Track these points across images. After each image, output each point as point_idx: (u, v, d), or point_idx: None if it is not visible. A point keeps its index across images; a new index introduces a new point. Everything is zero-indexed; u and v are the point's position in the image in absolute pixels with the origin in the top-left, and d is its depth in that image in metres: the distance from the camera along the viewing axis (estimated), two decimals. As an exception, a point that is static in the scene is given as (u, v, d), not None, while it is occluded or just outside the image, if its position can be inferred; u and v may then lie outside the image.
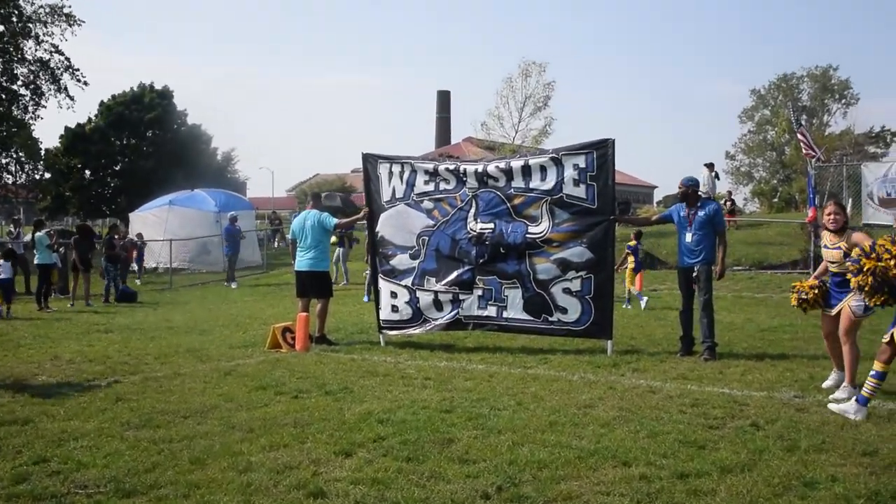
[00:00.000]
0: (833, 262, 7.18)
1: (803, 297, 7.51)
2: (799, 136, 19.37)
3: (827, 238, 7.28)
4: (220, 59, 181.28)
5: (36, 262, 17.43)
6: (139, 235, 24.62)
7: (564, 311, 9.39)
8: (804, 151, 19.05)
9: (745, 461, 5.02)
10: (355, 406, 6.72)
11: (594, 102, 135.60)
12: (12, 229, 24.87)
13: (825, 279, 7.47)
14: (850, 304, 7.03)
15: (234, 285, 22.42)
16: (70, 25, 36.34)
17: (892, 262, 6.04)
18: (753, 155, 66.65)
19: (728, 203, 23.21)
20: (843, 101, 64.01)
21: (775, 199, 56.92)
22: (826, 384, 7.33)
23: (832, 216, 7.20)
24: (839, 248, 7.08)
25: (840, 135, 48.03)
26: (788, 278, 17.72)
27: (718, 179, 24.84)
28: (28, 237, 23.01)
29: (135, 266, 23.97)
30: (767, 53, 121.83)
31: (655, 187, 78.70)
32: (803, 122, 21.69)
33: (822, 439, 5.53)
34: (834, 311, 7.24)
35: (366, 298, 16.60)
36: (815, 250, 17.86)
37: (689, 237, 9.14)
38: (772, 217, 30.64)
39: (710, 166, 24.11)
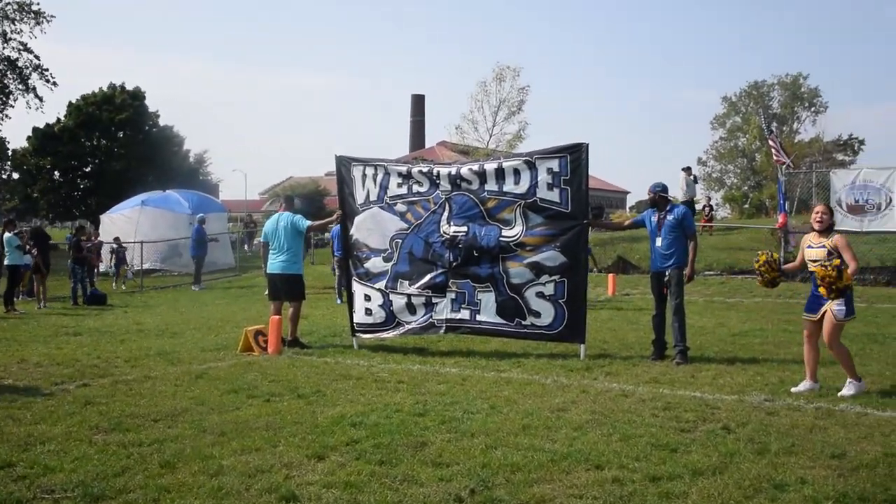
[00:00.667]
0: (815, 261, 7.33)
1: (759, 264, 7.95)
2: (770, 142, 19.62)
3: (812, 238, 7.50)
4: (194, 61, 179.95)
5: (6, 263, 17.16)
6: (116, 240, 23.95)
7: (538, 314, 9.41)
8: (775, 158, 19.31)
9: (717, 464, 5.05)
10: (328, 409, 6.69)
11: (568, 107, 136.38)
12: None
13: (787, 269, 7.98)
14: (832, 308, 7.19)
15: (197, 288, 22.16)
16: (39, 23, 35.91)
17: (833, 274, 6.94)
18: (725, 161, 67.42)
19: (707, 209, 23.37)
20: (813, 108, 64.97)
21: (746, 205, 57.52)
22: (796, 389, 7.41)
23: (819, 216, 7.46)
24: (823, 246, 7.32)
25: (809, 142, 48.70)
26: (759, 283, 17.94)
27: (696, 182, 25.03)
28: None
29: (110, 269, 23.48)
30: (739, 61, 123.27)
31: (628, 192, 79.34)
32: (774, 130, 21.88)
33: (791, 442, 5.59)
34: (817, 316, 7.36)
35: (338, 301, 16.54)
36: (786, 255, 18.10)
37: (659, 242, 9.22)
38: (743, 223, 30.95)
39: (688, 170, 24.35)
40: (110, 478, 4.79)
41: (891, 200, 17.20)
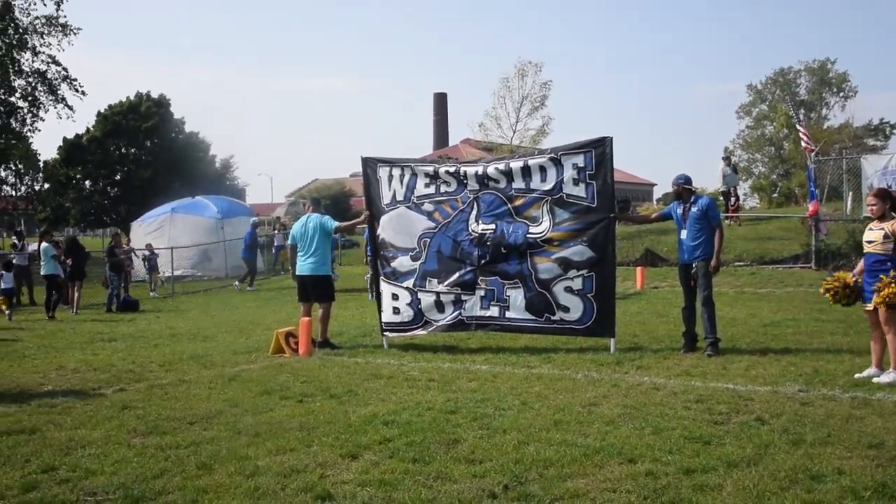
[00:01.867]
0: (870, 242, 7.37)
1: (830, 287, 7.80)
2: (799, 129, 19.40)
3: (873, 223, 7.53)
4: (217, 66, 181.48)
5: (42, 273, 17.58)
6: (149, 246, 24.12)
7: (567, 309, 9.41)
8: (804, 145, 19.07)
9: (751, 456, 5.03)
10: (360, 409, 6.74)
11: (591, 101, 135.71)
12: (16, 241, 24.67)
13: (859, 279, 7.68)
14: None
15: (238, 286, 22.44)
16: (66, 35, 36.40)
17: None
18: (752, 150, 66.68)
19: (733, 199, 23.16)
20: (842, 94, 64.05)
21: (775, 194, 56.90)
22: (860, 375, 7.41)
23: (870, 207, 7.50)
24: (882, 229, 7.33)
25: (839, 128, 48.09)
26: (790, 273, 17.76)
27: (737, 173, 24.74)
28: (32, 248, 23.02)
29: (145, 277, 23.70)
30: (765, 49, 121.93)
31: (654, 185, 78.84)
32: (803, 118, 21.68)
33: (827, 433, 5.54)
34: (870, 306, 7.38)
35: (370, 297, 16.62)
36: (817, 244, 17.89)
37: (685, 234, 9.18)
38: (772, 212, 30.62)
39: (727, 159, 24.22)
40: (149, 480, 4.88)
41: (924, 186, 16.92)
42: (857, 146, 35.39)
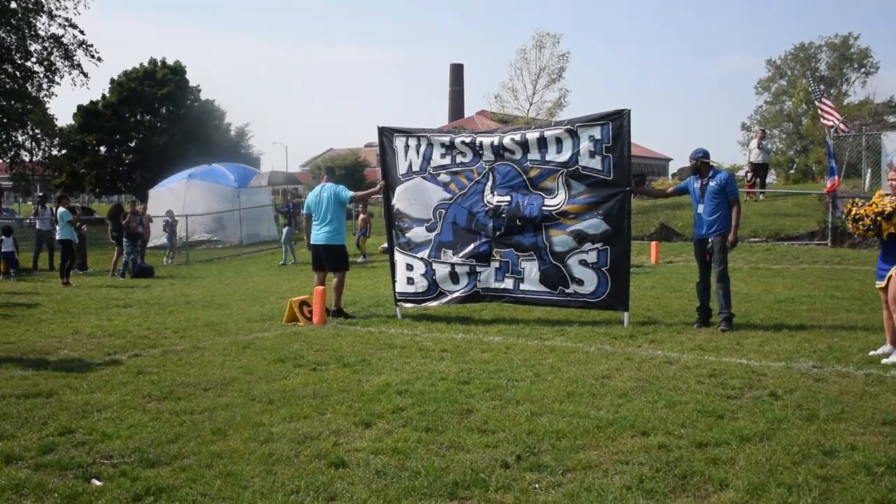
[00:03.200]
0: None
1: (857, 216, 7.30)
2: (819, 106, 19.13)
3: (887, 200, 7.28)
4: (233, 34, 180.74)
5: (58, 237, 17.73)
6: (169, 212, 24.13)
7: (581, 282, 9.39)
8: (823, 121, 18.84)
9: (764, 430, 5.02)
10: (373, 378, 6.77)
11: (608, 74, 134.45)
12: (38, 207, 24.68)
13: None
14: (895, 273, 7.13)
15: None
16: (81, -1, 36.29)
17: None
18: (770, 126, 66.00)
19: (749, 175, 23.01)
20: (863, 70, 63.18)
21: (792, 171, 56.37)
22: (874, 352, 7.37)
23: (892, 182, 7.24)
24: None
25: (859, 104, 47.45)
26: (805, 250, 17.65)
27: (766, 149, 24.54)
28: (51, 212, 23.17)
29: (165, 242, 23.77)
30: (786, 24, 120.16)
31: (670, 159, 78.13)
32: (822, 92, 21.33)
33: (840, 409, 5.52)
34: (884, 283, 7.29)
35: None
36: (834, 221, 17.75)
37: (702, 208, 9.10)
38: (789, 188, 30.37)
39: (763, 133, 24.17)
40: (165, 444, 4.92)
41: (944, 163, 16.71)
42: (877, 123, 34.91)
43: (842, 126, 18.57)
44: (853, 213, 7.23)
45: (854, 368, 6.83)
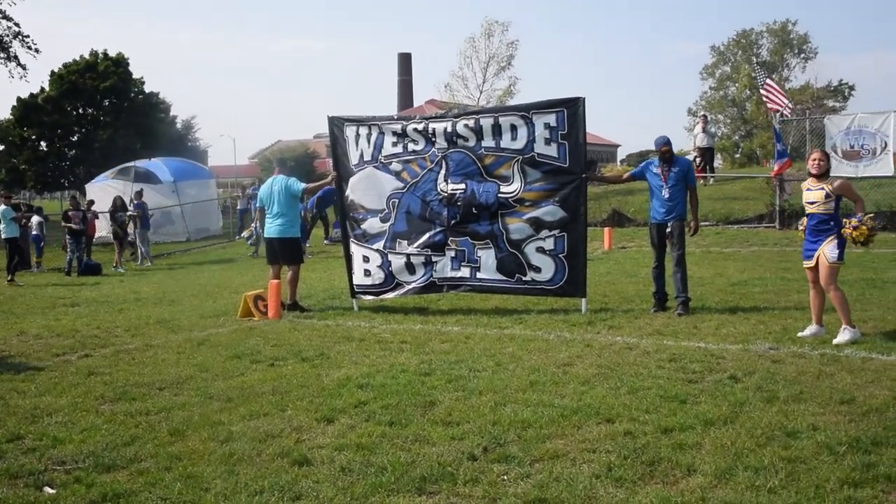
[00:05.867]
0: (812, 203, 7.37)
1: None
2: (763, 91, 19.42)
3: (810, 182, 7.49)
4: (177, 24, 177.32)
5: (3, 236, 17.18)
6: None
7: (538, 270, 9.38)
8: (770, 106, 19.13)
9: (727, 414, 5.05)
10: (333, 372, 6.66)
11: (555, 62, 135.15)
12: None
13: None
14: (824, 251, 7.26)
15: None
16: (17, -10, 35.17)
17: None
18: (715, 111, 67.02)
19: (699, 160, 23.34)
20: (802, 55, 64.47)
21: (737, 155, 57.44)
22: (802, 334, 7.45)
23: (817, 161, 7.41)
24: (822, 188, 7.31)
25: (800, 89, 48.47)
26: (755, 233, 17.96)
27: (710, 134, 24.92)
28: None
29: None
30: (727, 9, 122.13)
31: (619, 146, 78.93)
32: (768, 77, 21.65)
33: (799, 389, 5.59)
34: (812, 262, 7.39)
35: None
36: (781, 204, 18.08)
37: (665, 192, 9.16)
38: (735, 172, 30.90)
39: (705, 118, 24.55)
40: (120, 447, 4.77)
41: (886, 145, 17.08)
42: (818, 107, 35.69)
43: (787, 109, 18.88)
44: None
45: (809, 349, 6.93)
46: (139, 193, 21.75)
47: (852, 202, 7.51)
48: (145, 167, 27.97)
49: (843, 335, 7.15)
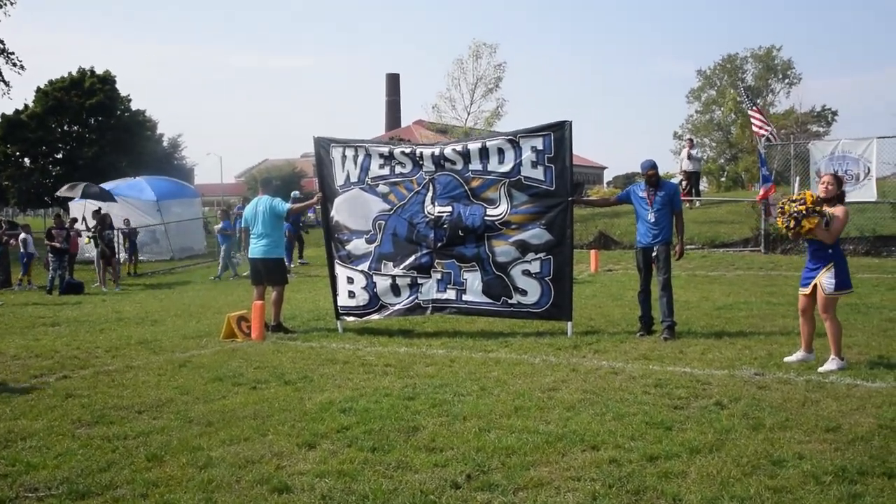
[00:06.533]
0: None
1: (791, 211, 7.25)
2: (751, 115, 19.57)
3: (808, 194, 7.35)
4: (164, 43, 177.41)
5: None
6: (126, 221, 23.26)
7: (524, 293, 9.35)
8: (755, 130, 19.27)
9: (713, 441, 5.01)
10: (316, 395, 6.58)
11: (543, 83, 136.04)
12: None
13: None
14: (820, 281, 7.22)
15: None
16: (1, 6, 35.04)
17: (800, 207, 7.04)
18: (701, 135, 67.53)
19: (684, 183, 23.45)
20: (787, 80, 65.13)
21: (723, 179, 57.80)
22: (788, 359, 7.43)
23: (826, 186, 7.30)
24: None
25: (784, 114, 48.94)
26: (740, 256, 18.01)
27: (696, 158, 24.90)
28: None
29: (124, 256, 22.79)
30: (714, 34, 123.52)
31: (605, 168, 79.43)
32: (755, 103, 21.87)
33: (785, 417, 5.56)
34: (809, 290, 7.35)
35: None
36: (767, 228, 18.15)
37: (651, 217, 9.16)
38: (721, 196, 31.08)
39: (691, 141, 24.69)
40: (95, 473, 4.66)
41: (869, 171, 17.22)
42: (802, 132, 36.03)
43: (772, 135, 19.03)
44: (784, 207, 7.29)
45: (794, 375, 6.91)
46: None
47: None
48: (98, 186, 27.53)
49: (830, 364, 7.13)
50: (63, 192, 25.47)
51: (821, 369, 7.08)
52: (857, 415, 5.60)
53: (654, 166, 9.31)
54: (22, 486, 4.49)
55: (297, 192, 21.38)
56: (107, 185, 28.58)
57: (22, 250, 19.60)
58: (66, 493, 4.34)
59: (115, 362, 8.43)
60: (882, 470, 4.44)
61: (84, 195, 24.28)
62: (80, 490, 4.38)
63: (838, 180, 7.45)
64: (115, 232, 20.38)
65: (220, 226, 21.53)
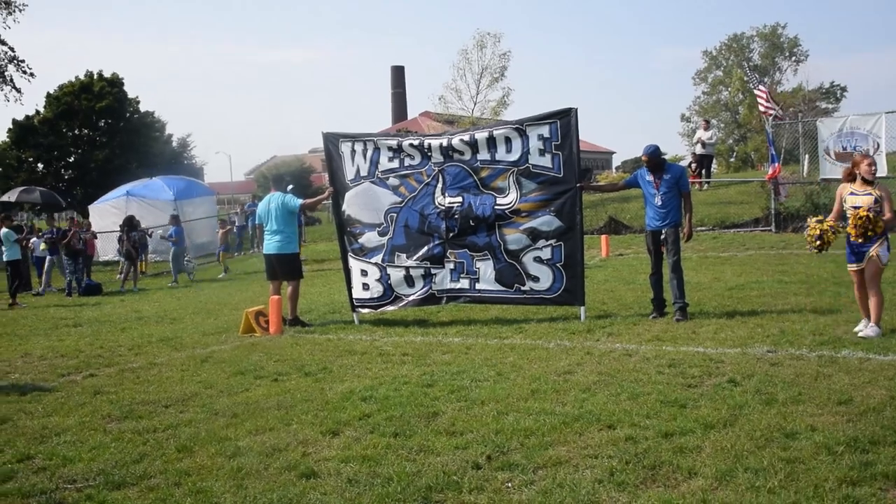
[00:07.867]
0: (858, 208, 7.52)
1: (819, 234, 7.92)
2: (757, 94, 19.58)
3: (856, 186, 7.64)
4: (170, 42, 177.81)
5: (4, 258, 17.24)
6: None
7: (536, 279, 9.47)
8: (762, 109, 19.28)
9: (727, 417, 5.13)
10: (336, 385, 6.73)
11: (548, 70, 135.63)
12: None
13: (838, 225, 7.95)
14: (878, 252, 7.51)
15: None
16: (11, 13, 35.32)
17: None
18: (709, 116, 67.30)
19: (693, 165, 23.43)
20: (793, 58, 64.88)
21: (732, 159, 57.58)
22: (857, 328, 7.67)
23: (872, 167, 7.59)
24: (870, 193, 7.50)
25: (792, 92, 48.73)
26: (751, 236, 18.05)
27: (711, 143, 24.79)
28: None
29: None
30: (718, 15, 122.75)
31: (613, 153, 79.16)
32: (761, 81, 21.86)
33: (798, 391, 5.67)
34: (863, 264, 7.60)
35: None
36: (777, 207, 18.19)
37: (657, 200, 9.25)
38: (730, 176, 31.02)
39: (707, 122, 24.73)
40: (129, 465, 4.83)
41: (878, 146, 17.24)
42: (810, 110, 35.90)
43: (779, 113, 19.04)
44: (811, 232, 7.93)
45: (807, 351, 7.01)
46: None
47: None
48: (49, 190, 27.56)
49: (869, 330, 7.46)
50: (17, 197, 25.42)
51: (861, 334, 7.36)
52: (869, 387, 5.70)
53: (654, 151, 9.36)
54: (61, 478, 4.66)
55: (291, 187, 21.65)
56: (123, 187, 28.87)
57: (37, 254, 19.84)
58: (102, 484, 4.50)
59: (139, 360, 8.62)
60: (894, 439, 4.55)
61: (21, 199, 24.34)
62: (115, 481, 4.55)
63: (876, 162, 7.87)
64: (139, 234, 20.62)
65: (169, 233, 21.50)
